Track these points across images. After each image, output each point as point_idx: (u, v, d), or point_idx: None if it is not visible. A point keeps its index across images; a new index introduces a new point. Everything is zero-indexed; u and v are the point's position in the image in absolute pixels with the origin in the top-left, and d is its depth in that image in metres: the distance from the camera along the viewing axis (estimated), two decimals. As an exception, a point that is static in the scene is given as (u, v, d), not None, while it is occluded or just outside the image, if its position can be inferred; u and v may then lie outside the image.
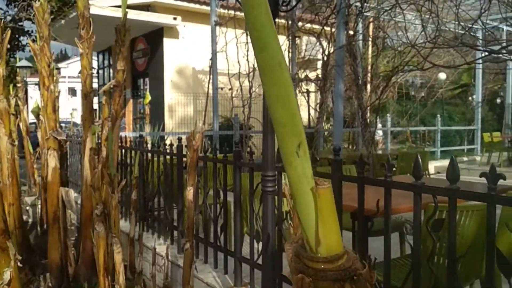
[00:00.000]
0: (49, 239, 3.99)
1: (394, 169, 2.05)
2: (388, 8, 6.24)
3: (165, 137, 10.26)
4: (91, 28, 3.94)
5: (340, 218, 2.21)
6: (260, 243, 2.87)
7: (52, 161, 3.84)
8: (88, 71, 3.91)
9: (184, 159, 3.91)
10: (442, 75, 16.32)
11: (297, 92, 10.29)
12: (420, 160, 1.77)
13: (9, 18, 11.22)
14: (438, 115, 13.04)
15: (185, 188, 3.28)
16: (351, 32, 6.35)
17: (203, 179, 3.67)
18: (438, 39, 5.52)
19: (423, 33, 6.18)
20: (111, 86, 4.17)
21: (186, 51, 11.76)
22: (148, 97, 10.02)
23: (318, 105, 6.66)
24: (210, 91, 10.79)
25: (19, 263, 1.87)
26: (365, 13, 6.66)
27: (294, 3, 3.50)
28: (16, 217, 4.07)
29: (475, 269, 2.16)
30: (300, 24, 10.36)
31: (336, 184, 2.10)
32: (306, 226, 0.65)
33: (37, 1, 3.80)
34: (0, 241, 1.65)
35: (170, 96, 11.86)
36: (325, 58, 6.37)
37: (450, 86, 18.44)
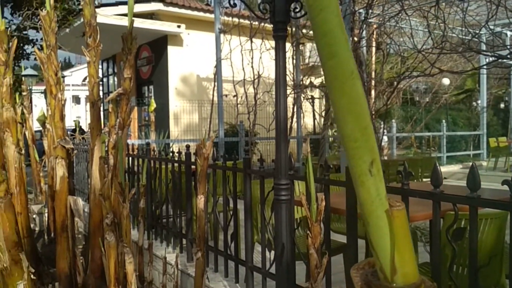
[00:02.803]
0: (58, 248, 3.96)
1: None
2: (393, 14, 6.22)
3: (171, 145, 10.26)
4: (98, 36, 3.94)
5: (355, 226, 2.18)
6: (272, 252, 2.84)
7: (60, 169, 3.82)
8: (95, 79, 3.89)
9: (193, 166, 3.90)
10: (446, 81, 16.30)
11: (302, 98, 10.28)
12: (438, 167, 1.74)
13: (14, 27, 11.25)
14: (443, 121, 13.00)
15: (194, 196, 3.26)
16: (356, 39, 6.33)
17: (212, 187, 3.65)
18: (445, 45, 5.50)
19: (428, 38, 6.16)
20: (118, 94, 4.17)
21: (190, 58, 11.79)
22: (153, 105, 10.00)
23: (323, 112, 6.63)
24: (215, 98, 10.82)
25: (32, 276, 1.85)
26: (370, 20, 6.66)
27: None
28: (24, 226, 4.04)
29: (494, 278, 2.12)
30: (304, 31, 10.39)
31: (350, 191, 2.07)
32: (380, 252, 0.59)
33: (43, 10, 3.80)
34: (13, 254, 1.63)
35: (175, 103, 11.87)
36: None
37: (454, 91, 18.41)
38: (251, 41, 8.36)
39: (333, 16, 0.54)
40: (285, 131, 2.07)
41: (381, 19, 6.75)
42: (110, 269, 2.66)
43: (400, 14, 6.36)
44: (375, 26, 8.06)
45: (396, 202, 0.60)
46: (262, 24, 8.38)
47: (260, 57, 8.40)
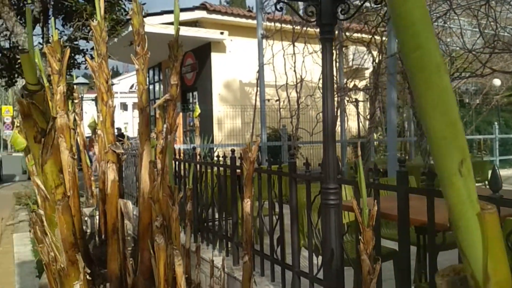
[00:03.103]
0: (109, 250, 4.09)
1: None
2: (441, 14, 6.04)
3: (214, 149, 10.39)
4: (146, 44, 4.06)
5: (407, 232, 2.12)
6: (319, 257, 2.81)
7: (111, 174, 3.95)
8: (144, 86, 4.01)
9: (238, 170, 3.93)
10: (497, 82, 15.61)
11: (346, 101, 10.16)
12: (497, 170, 1.67)
13: (65, 37, 11.79)
14: (495, 123, 12.45)
15: (240, 199, 3.28)
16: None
17: (257, 191, 3.67)
18: (497, 44, 5.28)
19: (478, 38, 5.93)
20: (165, 100, 4.27)
21: (233, 64, 11.92)
22: (198, 110, 10.17)
23: (368, 115, 6.53)
24: (258, 103, 10.87)
25: (87, 276, 1.92)
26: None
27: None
28: (78, 229, 4.20)
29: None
30: (348, 33, 10.27)
31: (402, 197, 2.01)
32: (471, 258, 0.56)
33: (94, 21, 3.95)
34: (70, 255, 1.69)
35: (218, 109, 12.02)
36: (376, 66, 6.23)
37: (506, 92, 17.60)
38: (294, 45, 8.34)
39: (417, 7, 0.52)
40: (333, 134, 2.05)
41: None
42: (159, 271, 2.72)
43: (448, 14, 6.17)
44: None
45: (487, 205, 0.56)
46: (305, 28, 8.37)
47: (303, 61, 8.37)
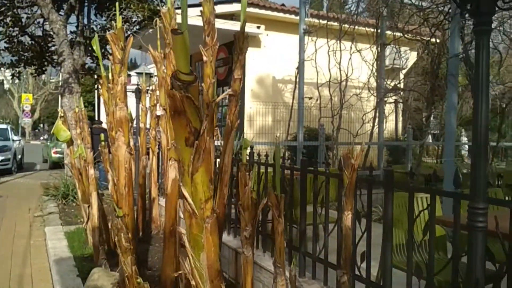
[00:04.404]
0: (164, 253, 3.83)
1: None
2: None
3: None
4: (216, 35, 3.77)
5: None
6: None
7: (173, 172, 3.68)
8: (211, 79, 3.71)
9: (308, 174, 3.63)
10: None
11: (385, 102, 9.79)
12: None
13: (98, 27, 11.59)
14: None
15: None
16: (468, 39, 5.82)
17: (319, 196, 3.37)
18: None
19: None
20: (228, 95, 4.00)
21: (268, 60, 11.60)
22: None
23: (424, 118, 6.18)
24: (291, 101, 10.54)
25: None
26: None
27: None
28: (131, 229, 3.94)
29: None
30: (388, 32, 9.89)
31: None
32: None
33: (164, 7, 3.67)
34: (216, 285, 1.39)
35: (250, 105, 11.73)
36: (435, 67, 5.88)
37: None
38: (340, 42, 8.01)
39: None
40: (485, 143, 1.74)
41: (499, 17, 6.17)
42: (246, 286, 2.43)
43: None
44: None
45: None
46: (352, 26, 8.03)
47: (350, 58, 8.02)
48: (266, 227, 4.33)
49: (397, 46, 8.23)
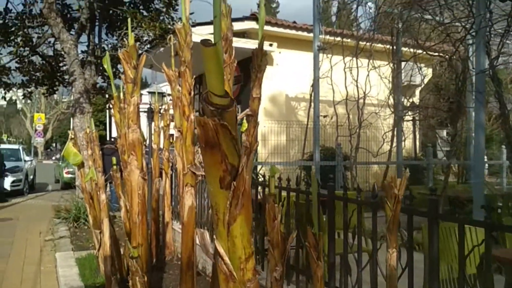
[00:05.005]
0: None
1: None
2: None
3: (258, 168, 9.83)
4: (233, 52, 3.56)
5: None
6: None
7: (189, 199, 3.41)
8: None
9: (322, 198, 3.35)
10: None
11: (403, 119, 9.50)
12: None
13: (109, 46, 11.52)
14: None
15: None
16: (494, 54, 5.55)
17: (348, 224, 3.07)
18: None
19: None
20: (246, 115, 3.73)
21: (280, 78, 11.41)
22: (245, 125, 9.67)
23: (450, 137, 5.87)
24: (305, 119, 10.28)
25: None
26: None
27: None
28: (145, 260, 3.67)
29: None
30: (405, 48, 9.68)
31: None
32: None
33: (179, 23, 3.47)
34: None
35: (263, 124, 11.49)
36: (459, 84, 5.60)
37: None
38: (357, 59, 7.78)
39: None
40: None
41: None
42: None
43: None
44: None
45: None
46: (369, 43, 7.81)
47: (368, 75, 7.77)
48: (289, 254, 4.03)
49: (415, 63, 7.97)
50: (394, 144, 9.62)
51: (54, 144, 55.61)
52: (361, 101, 7.90)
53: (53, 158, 42.43)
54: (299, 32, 11.17)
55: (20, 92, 12.96)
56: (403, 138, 9.52)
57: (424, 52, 6.47)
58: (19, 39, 10.27)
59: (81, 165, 5.30)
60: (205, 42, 0.97)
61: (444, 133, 12.96)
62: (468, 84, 5.73)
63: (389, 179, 2.18)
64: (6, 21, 10.25)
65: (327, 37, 9.15)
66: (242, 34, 10.92)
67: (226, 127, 0.99)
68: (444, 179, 5.94)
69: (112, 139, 12.31)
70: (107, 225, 4.57)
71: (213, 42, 1.00)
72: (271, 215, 2.17)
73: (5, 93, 12.00)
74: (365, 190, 3.30)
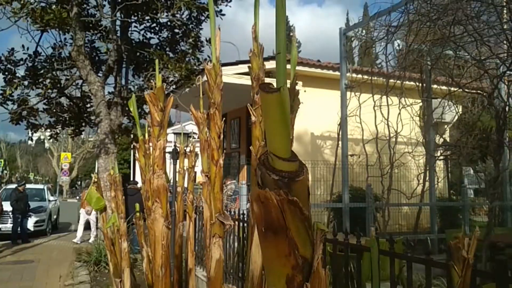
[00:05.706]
0: None
1: None
2: None
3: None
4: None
5: None
6: None
7: (217, 251, 3.12)
8: (260, 142, 3.25)
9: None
10: None
11: (436, 158, 9.08)
12: None
13: (136, 87, 11.59)
14: None
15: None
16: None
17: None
18: None
19: None
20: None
21: (305, 116, 11.19)
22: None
23: (493, 178, 5.48)
24: (333, 158, 9.96)
25: None
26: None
27: None
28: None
29: None
30: (435, 86, 9.42)
31: None
32: None
33: (209, 63, 3.31)
34: None
35: (288, 163, 11.23)
36: (500, 122, 5.26)
37: None
38: (387, 97, 7.53)
39: None
40: None
41: None
42: None
43: None
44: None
45: None
46: (399, 81, 7.58)
47: (399, 113, 7.49)
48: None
49: (450, 100, 7.67)
50: (426, 184, 9.18)
51: (79, 182, 56.32)
52: (392, 139, 7.60)
53: (77, 197, 42.82)
54: (324, 71, 11.06)
55: (47, 133, 13.09)
56: (437, 178, 9.08)
57: (460, 89, 6.17)
58: (47, 81, 10.43)
59: (103, 209, 5.11)
60: (265, 87, 0.74)
61: (471, 171, 12.41)
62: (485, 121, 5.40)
63: (452, 239, 1.87)
64: (36, 63, 10.44)
65: (353, 75, 8.98)
66: (267, 74, 10.84)
67: (296, 204, 0.74)
68: (487, 224, 5.49)
69: (136, 181, 12.19)
70: (128, 275, 4.30)
71: (275, 87, 0.76)
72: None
73: (32, 133, 12.12)
74: (395, 232, 2.97)
